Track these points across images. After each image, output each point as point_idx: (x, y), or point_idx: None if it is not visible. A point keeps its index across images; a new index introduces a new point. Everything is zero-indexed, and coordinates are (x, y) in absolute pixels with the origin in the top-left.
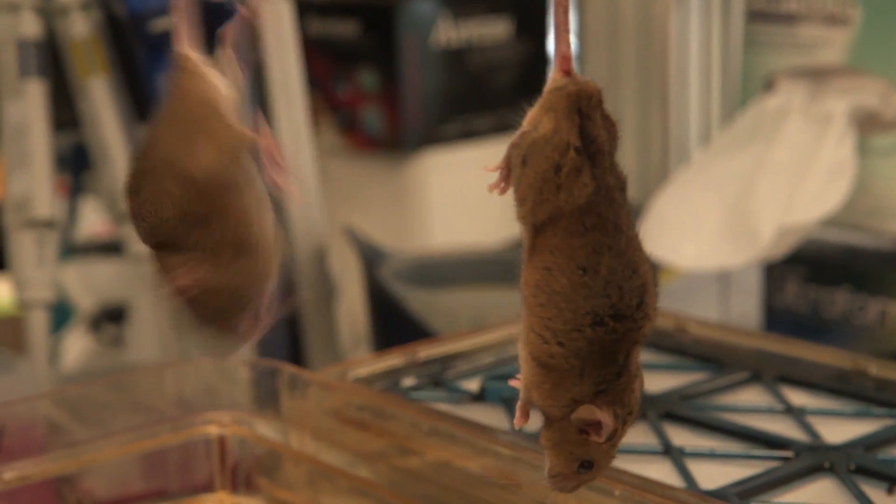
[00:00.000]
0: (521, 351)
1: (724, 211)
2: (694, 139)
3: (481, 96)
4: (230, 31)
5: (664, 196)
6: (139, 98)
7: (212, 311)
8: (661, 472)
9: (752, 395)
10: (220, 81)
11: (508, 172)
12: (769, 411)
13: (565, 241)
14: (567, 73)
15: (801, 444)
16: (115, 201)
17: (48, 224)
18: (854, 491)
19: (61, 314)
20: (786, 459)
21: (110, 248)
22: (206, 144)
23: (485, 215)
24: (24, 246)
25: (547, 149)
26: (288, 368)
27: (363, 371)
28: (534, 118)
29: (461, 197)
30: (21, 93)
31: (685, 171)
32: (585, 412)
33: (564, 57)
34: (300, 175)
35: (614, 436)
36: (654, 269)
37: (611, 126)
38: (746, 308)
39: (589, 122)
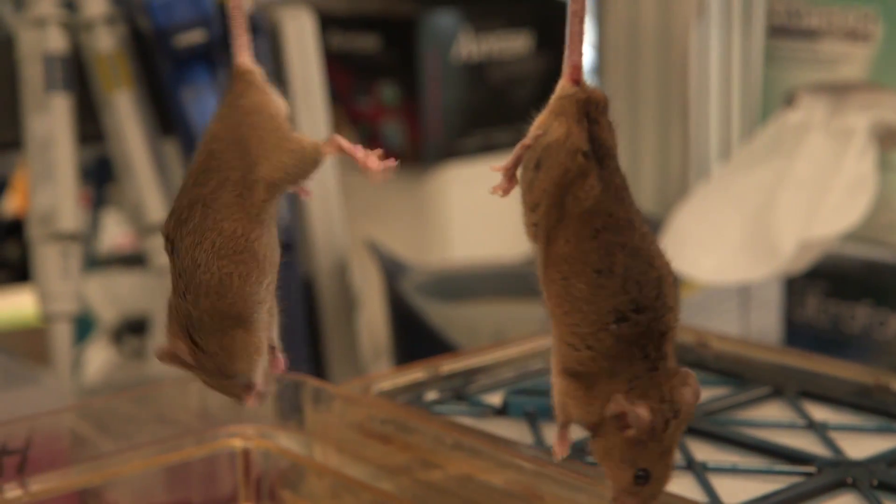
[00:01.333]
0: (553, 370)
1: (744, 225)
2: (714, 154)
3: (502, 110)
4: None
5: (684, 210)
6: (163, 112)
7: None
8: (683, 487)
9: (773, 411)
10: (277, 98)
11: (513, 178)
12: (791, 426)
13: (577, 247)
14: (576, 82)
15: (823, 460)
16: (139, 214)
17: (72, 237)
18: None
19: (83, 326)
20: (808, 475)
21: (133, 261)
22: (271, 157)
23: (505, 228)
24: (49, 259)
25: (561, 154)
26: (312, 382)
27: (386, 385)
28: (543, 123)
29: (482, 210)
30: (46, 107)
31: (705, 186)
32: (615, 404)
33: (576, 66)
34: (322, 188)
35: (657, 433)
36: (669, 263)
37: (613, 131)
38: (767, 322)
39: (597, 126)
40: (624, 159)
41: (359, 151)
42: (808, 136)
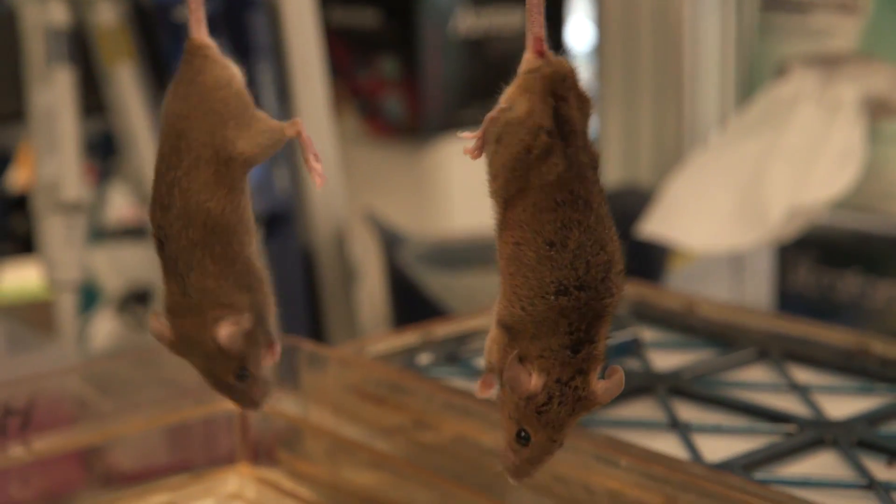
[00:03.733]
0: (493, 318)
1: (735, 194)
2: (709, 124)
3: (500, 84)
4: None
5: (677, 180)
6: (164, 85)
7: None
8: (667, 445)
9: (758, 373)
10: (238, 71)
11: (482, 144)
12: (775, 388)
13: (535, 216)
14: (540, 53)
15: (804, 420)
16: (140, 185)
17: (76, 207)
18: (855, 464)
19: (90, 297)
20: (789, 434)
21: (138, 233)
22: (245, 135)
23: None
24: (53, 228)
25: (521, 131)
26: (307, 345)
27: (380, 348)
28: (510, 97)
29: (480, 181)
30: (49, 79)
31: (698, 156)
32: (511, 362)
33: (537, 38)
34: (322, 162)
35: (537, 405)
36: (622, 248)
37: (584, 104)
38: (759, 292)
39: (563, 103)
40: (621, 130)
41: (310, 148)
42: (798, 106)
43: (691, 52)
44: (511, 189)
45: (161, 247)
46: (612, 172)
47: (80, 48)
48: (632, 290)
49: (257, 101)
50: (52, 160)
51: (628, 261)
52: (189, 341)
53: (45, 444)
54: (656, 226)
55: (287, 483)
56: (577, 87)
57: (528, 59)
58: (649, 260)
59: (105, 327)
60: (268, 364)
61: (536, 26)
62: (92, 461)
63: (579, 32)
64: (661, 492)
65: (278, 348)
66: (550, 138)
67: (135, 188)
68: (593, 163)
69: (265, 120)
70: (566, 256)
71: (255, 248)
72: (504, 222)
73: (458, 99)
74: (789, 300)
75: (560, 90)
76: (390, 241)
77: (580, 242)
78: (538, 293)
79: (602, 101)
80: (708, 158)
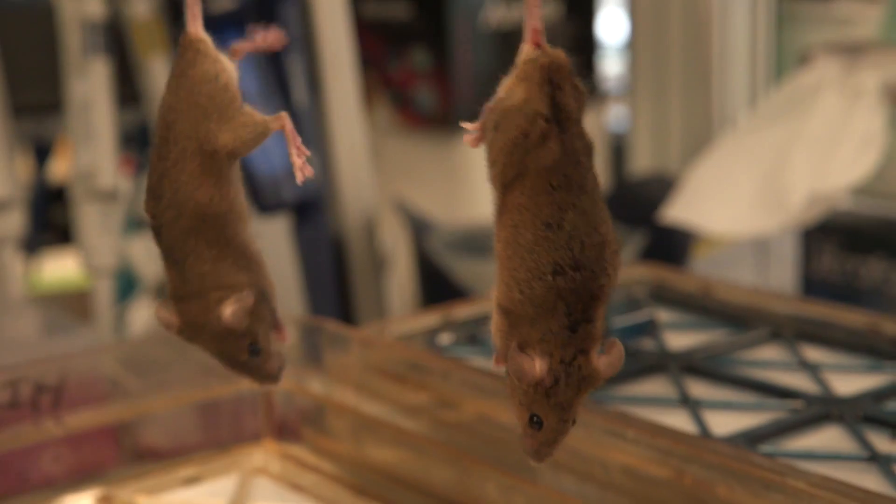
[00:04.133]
0: (493, 302)
1: (757, 180)
2: (736, 113)
3: None
4: (243, 47)
5: (700, 167)
6: None
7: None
8: (677, 420)
9: (771, 352)
10: (230, 66)
11: (482, 134)
12: (786, 366)
13: (532, 199)
14: (537, 45)
15: (812, 396)
16: None
17: (112, 195)
18: (859, 438)
19: (127, 285)
20: (796, 410)
21: None
22: (228, 129)
23: None
24: (90, 216)
25: (518, 117)
26: (330, 325)
27: (402, 329)
28: (508, 87)
29: None
30: (86, 71)
31: (721, 143)
32: (513, 353)
33: (535, 30)
34: (350, 149)
35: (544, 388)
36: (616, 230)
37: (579, 94)
38: (783, 278)
39: (559, 91)
40: (651, 120)
41: (295, 142)
42: (821, 94)
43: (720, 43)
44: (509, 174)
45: (157, 236)
46: (642, 161)
47: (115, 40)
48: (650, 273)
49: (288, 91)
50: (89, 149)
51: (652, 247)
52: (196, 325)
53: (76, 420)
54: (679, 211)
55: (310, 458)
56: (572, 77)
57: (525, 50)
58: (673, 247)
59: (143, 315)
60: (281, 343)
61: (534, 19)
62: (122, 437)
63: (611, 25)
64: (669, 464)
65: (286, 330)
66: (547, 124)
67: None
68: (587, 149)
69: (249, 114)
70: (562, 237)
71: (249, 234)
72: (502, 206)
73: (488, 90)
74: (813, 286)
75: (556, 79)
76: (419, 228)
77: (575, 224)
78: (535, 275)
79: (633, 92)
80: (731, 145)
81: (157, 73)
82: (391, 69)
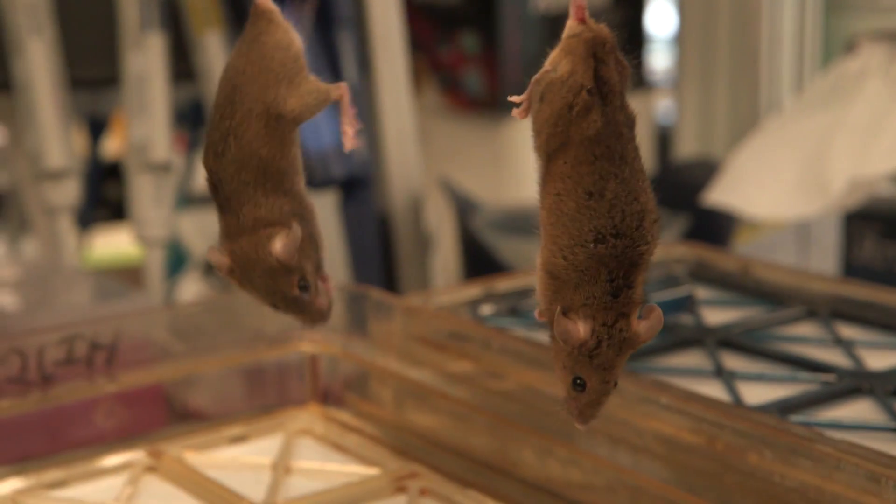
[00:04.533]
0: (538, 264)
1: (800, 165)
2: (783, 101)
3: None
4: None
5: (743, 151)
6: None
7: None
8: (712, 390)
9: (806, 329)
10: (298, 37)
11: (529, 105)
12: (820, 342)
13: (575, 168)
14: (582, 20)
15: (844, 370)
16: None
17: (165, 168)
18: (888, 410)
19: (178, 260)
20: (828, 383)
21: None
22: (296, 94)
23: None
24: (143, 188)
25: (563, 89)
26: (375, 293)
27: (445, 299)
28: (554, 60)
29: None
30: (142, 45)
31: (765, 129)
32: (558, 317)
33: (579, 6)
34: (398, 129)
35: (587, 350)
36: (655, 202)
37: (623, 69)
38: (825, 265)
39: (603, 65)
40: (697, 108)
41: (348, 113)
42: (865, 81)
43: (768, 31)
44: (553, 144)
45: (215, 190)
46: (689, 147)
47: (171, 15)
48: (690, 252)
49: (339, 70)
50: (143, 123)
51: (695, 231)
52: (247, 262)
53: (128, 377)
54: (721, 194)
55: (353, 422)
56: (616, 52)
57: (570, 26)
58: (716, 231)
59: (192, 289)
60: (327, 294)
61: None
62: (172, 398)
63: (660, 18)
64: (701, 430)
65: (331, 283)
66: (590, 96)
67: None
68: (629, 122)
69: (314, 82)
70: (603, 206)
71: (303, 187)
72: (546, 175)
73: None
74: (855, 273)
75: (600, 53)
76: (464, 208)
77: (616, 193)
78: (578, 241)
79: (680, 82)
80: (774, 131)
81: (212, 49)
82: (441, 52)
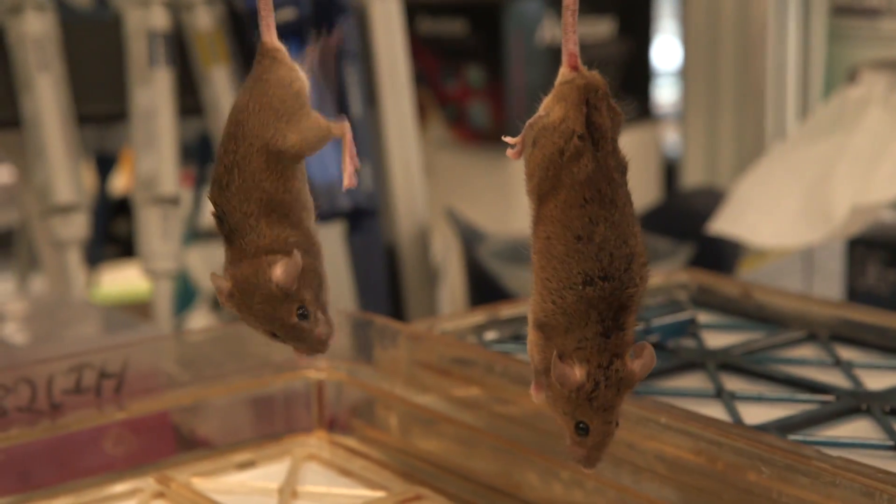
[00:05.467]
0: (528, 322)
1: (802, 193)
2: (787, 130)
3: None
4: (313, 52)
5: (746, 180)
6: None
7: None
8: (712, 411)
9: (806, 351)
10: (303, 75)
11: (523, 148)
12: (819, 364)
13: (565, 212)
14: (574, 68)
15: (842, 390)
16: None
17: (172, 201)
18: (887, 429)
19: (187, 295)
20: (827, 402)
21: None
22: (295, 131)
23: None
24: (150, 221)
25: (555, 135)
26: (380, 320)
27: (449, 325)
28: (547, 105)
29: None
30: (149, 80)
31: (768, 158)
32: (555, 362)
33: (572, 54)
34: (404, 161)
35: (586, 393)
36: (644, 245)
37: (615, 115)
38: (829, 292)
39: (595, 111)
40: (703, 139)
41: (350, 150)
42: (867, 109)
43: (773, 62)
44: (544, 187)
45: (220, 222)
46: (696, 177)
47: (178, 51)
48: (692, 278)
49: (345, 104)
50: (151, 157)
51: (700, 259)
52: (247, 287)
53: (137, 405)
54: (726, 224)
55: (360, 447)
56: (608, 98)
57: (563, 72)
58: (721, 259)
59: (201, 323)
60: (328, 324)
61: (571, 43)
62: (179, 427)
63: (666, 52)
64: (701, 450)
65: (335, 316)
66: (581, 142)
67: None
68: (621, 167)
69: (316, 118)
70: (592, 249)
71: (312, 223)
72: (537, 218)
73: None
74: (859, 299)
75: (592, 99)
76: (470, 238)
77: (605, 236)
78: (566, 284)
79: (686, 114)
80: (777, 159)
81: (218, 83)
82: (447, 86)
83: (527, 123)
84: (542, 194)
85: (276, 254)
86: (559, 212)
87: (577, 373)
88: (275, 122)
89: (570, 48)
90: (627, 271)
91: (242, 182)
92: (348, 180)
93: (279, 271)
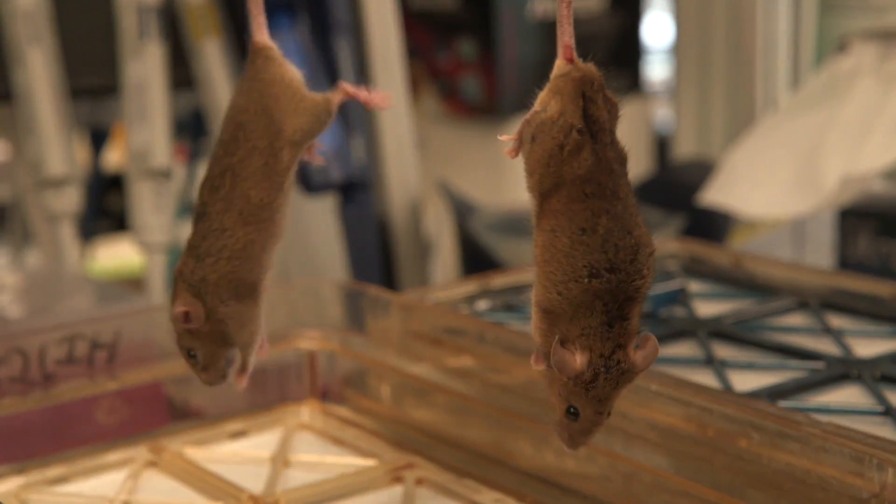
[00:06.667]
0: (532, 302)
1: (793, 164)
2: (778, 101)
3: None
4: (348, 90)
5: (737, 151)
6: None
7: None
8: (702, 379)
9: (796, 319)
10: (295, 70)
11: (520, 144)
12: (810, 332)
13: (568, 206)
14: (570, 60)
15: (833, 357)
16: None
17: (165, 174)
18: (876, 395)
19: None
20: (817, 370)
21: None
22: (298, 116)
23: None
24: (144, 194)
25: (553, 129)
26: (372, 290)
27: (441, 295)
28: (543, 100)
29: None
30: (141, 53)
31: (758, 128)
32: (556, 347)
33: (567, 46)
34: (396, 134)
35: (584, 381)
36: (650, 236)
37: (612, 106)
38: (820, 263)
39: (591, 104)
40: (694, 113)
41: (362, 92)
42: (858, 80)
43: (763, 33)
44: (546, 183)
45: (197, 221)
46: (686, 150)
47: (170, 24)
48: (683, 247)
49: (336, 78)
50: (143, 130)
51: (691, 231)
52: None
53: (129, 376)
54: (717, 195)
55: (352, 416)
56: (604, 90)
57: (558, 66)
58: (712, 231)
59: None
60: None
61: (566, 36)
62: (172, 398)
63: (657, 29)
64: (692, 417)
65: (266, 346)
66: (580, 136)
67: None
68: (620, 158)
69: (312, 97)
70: (596, 241)
71: (273, 255)
72: (540, 213)
73: (534, 80)
74: (850, 269)
75: (589, 92)
76: (462, 211)
77: (609, 228)
78: (572, 277)
79: (678, 89)
80: (768, 130)
81: (210, 56)
82: (439, 59)
83: (523, 120)
84: (543, 190)
85: (199, 298)
86: (562, 206)
87: (578, 360)
88: (275, 117)
89: (565, 40)
90: (634, 262)
91: (232, 187)
92: (381, 100)
93: (176, 312)
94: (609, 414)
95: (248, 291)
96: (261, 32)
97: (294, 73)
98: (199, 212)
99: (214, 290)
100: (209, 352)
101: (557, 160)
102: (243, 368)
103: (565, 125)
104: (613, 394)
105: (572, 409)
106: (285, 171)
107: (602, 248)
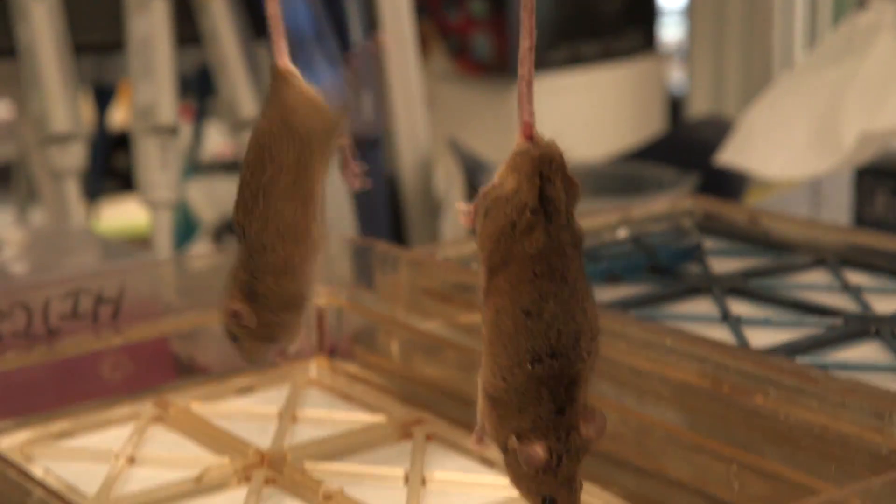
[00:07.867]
0: (478, 384)
1: (811, 122)
2: (795, 58)
3: (587, 24)
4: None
5: (754, 110)
6: (256, 15)
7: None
8: (718, 335)
9: (814, 276)
10: (315, 91)
11: (475, 216)
12: (828, 288)
13: (514, 286)
14: (529, 137)
15: (850, 314)
16: (232, 110)
17: (171, 130)
18: (894, 351)
19: (188, 228)
20: (835, 326)
21: (232, 167)
22: (316, 118)
23: (588, 137)
24: (149, 151)
25: (507, 207)
26: (381, 246)
27: (451, 251)
28: (501, 175)
29: (566, 119)
30: (146, 8)
31: (775, 87)
32: (512, 443)
33: (527, 124)
34: (405, 91)
35: (550, 468)
36: (595, 319)
37: (571, 186)
38: (837, 221)
39: (549, 184)
40: (709, 74)
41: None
42: (877, 36)
43: None
44: (495, 259)
45: (239, 240)
46: (701, 109)
47: None
48: (697, 204)
49: (345, 34)
50: (149, 86)
51: (706, 189)
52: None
53: (134, 332)
54: (733, 155)
55: (360, 372)
56: (563, 170)
57: (518, 143)
58: (727, 191)
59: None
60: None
61: (526, 114)
62: (177, 353)
63: None
64: (706, 372)
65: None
66: (534, 216)
67: (227, 118)
68: (574, 240)
69: (329, 110)
70: (540, 326)
71: (315, 265)
72: (487, 290)
73: (546, 39)
74: (867, 228)
75: (546, 171)
76: (473, 168)
77: (553, 313)
78: (515, 361)
79: (692, 48)
80: (785, 89)
81: (216, 11)
82: (449, 17)
83: (480, 192)
84: (492, 266)
85: (247, 300)
86: (509, 286)
87: (540, 451)
88: (298, 129)
89: (524, 118)
90: (575, 348)
91: (266, 206)
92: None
93: (232, 309)
94: (581, 486)
95: (294, 302)
96: (282, 57)
97: (314, 93)
98: (238, 233)
99: (264, 301)
100: (253, 347)
101: (509, 238)
102: (281, 353)
103: (519, 203)
104: (577, 469)
105: (548, 499)
106: (316, 185)
107: (545, 333)
